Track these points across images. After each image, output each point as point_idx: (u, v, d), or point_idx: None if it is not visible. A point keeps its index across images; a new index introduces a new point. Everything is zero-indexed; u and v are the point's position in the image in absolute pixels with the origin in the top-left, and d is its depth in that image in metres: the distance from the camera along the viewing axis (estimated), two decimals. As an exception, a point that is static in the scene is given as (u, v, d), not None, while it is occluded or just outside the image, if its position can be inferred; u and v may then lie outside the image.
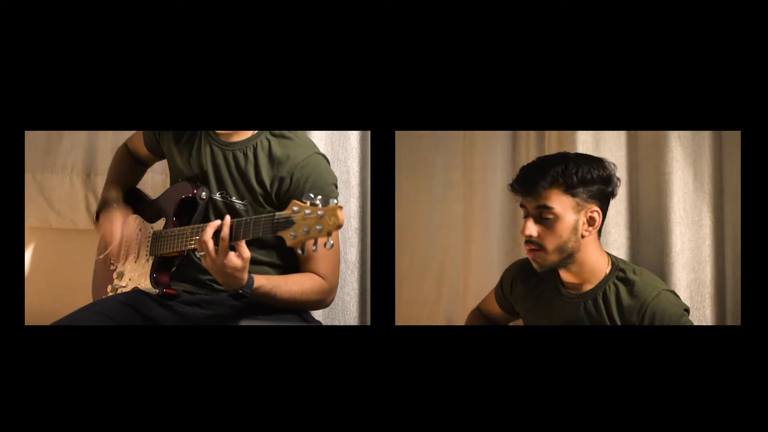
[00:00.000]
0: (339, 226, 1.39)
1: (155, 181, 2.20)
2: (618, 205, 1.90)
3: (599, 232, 1.60)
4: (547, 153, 1.84)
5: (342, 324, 2.00)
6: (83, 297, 1.81)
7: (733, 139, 1.86)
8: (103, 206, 1.83)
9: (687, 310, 1.56)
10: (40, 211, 2.32)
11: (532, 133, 2.08)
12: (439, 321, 2.19)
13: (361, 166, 2.04)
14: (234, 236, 1.50)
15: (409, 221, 2.19)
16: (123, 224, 1.78)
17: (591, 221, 1.56)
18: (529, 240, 1.57)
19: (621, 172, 1.82)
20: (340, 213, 1.39)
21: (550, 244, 1.56)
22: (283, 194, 1.65)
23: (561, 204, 1.55)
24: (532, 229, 1.57)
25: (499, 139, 2.13)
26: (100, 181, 2.12)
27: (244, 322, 1.64)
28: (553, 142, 1.98)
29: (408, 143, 2.17)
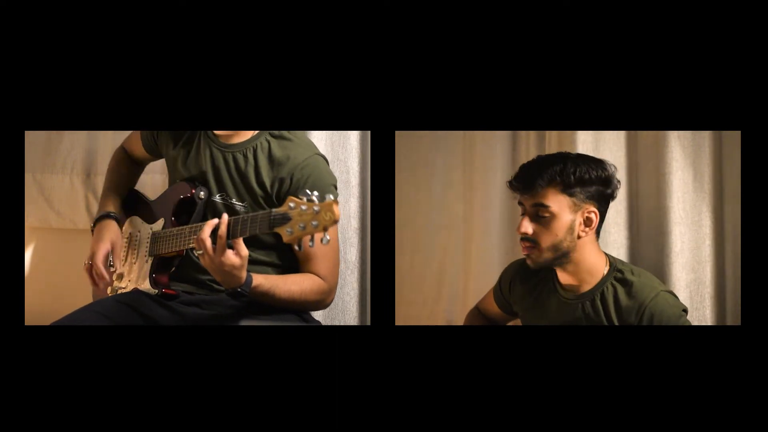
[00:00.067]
0: (335, 222, 1.39)
1: (155, 181, 2.20)
2: (618, 206, 1.90)
3: (598, 233, 1.60)
4: (547, 153, 1.84)
5: (342, 324, 2.00)
6: (83, 297, 1.81)
7: (733, 139, 1.86)
8: (98, 219, 1.81)
9: (685, 310, 1.56)
10: (40, 211, 2.32)
11: (532, 133, 2.08)
12: (439, 321, 2.19)
13: (361, 166, 2.04)
14: (231, 234, 1.51)
15: (409, 221, 2.19)
16: (110, 241, 1.77)
17: (588, 222, 1.56)
18: (524, 237, 1.57)
19: (621, 172, 1.82)
20: (336, 208, 1.39)
21: (545, 242, 1.56)
22: (283, 195, 1.64)
23: (557, 203, 1.55)
24: (527, 226, 1.57)
25: (499, 139, 2.13)
26: (100, 181, 2.12)
27: (244, 322, 1.64)
28: (553, 142, 1.98)
29: (408, 143, 2.17)
